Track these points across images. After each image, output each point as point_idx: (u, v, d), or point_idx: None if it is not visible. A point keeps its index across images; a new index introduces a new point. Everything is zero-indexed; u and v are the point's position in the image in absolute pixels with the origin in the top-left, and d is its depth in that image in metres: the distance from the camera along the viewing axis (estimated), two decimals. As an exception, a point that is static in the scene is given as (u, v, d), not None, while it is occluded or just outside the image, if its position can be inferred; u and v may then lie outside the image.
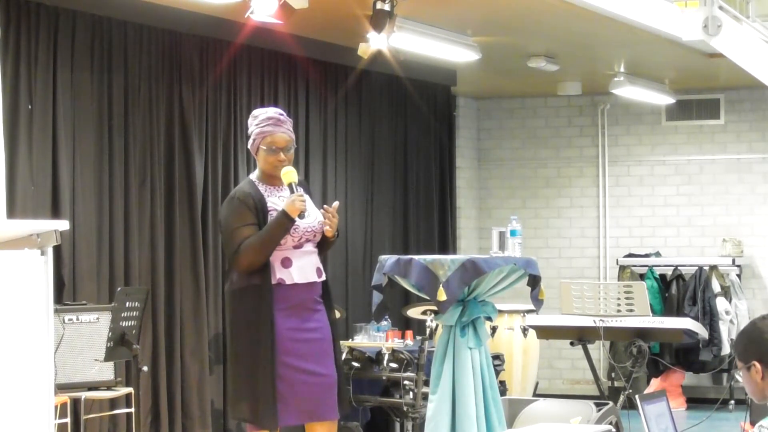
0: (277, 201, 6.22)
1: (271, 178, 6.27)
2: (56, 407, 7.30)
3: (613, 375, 9.55)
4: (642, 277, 12.40)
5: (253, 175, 6.35)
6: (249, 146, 6.33)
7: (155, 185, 8.93)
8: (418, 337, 9.26)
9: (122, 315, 7.64)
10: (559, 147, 13.46)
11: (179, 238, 9.08)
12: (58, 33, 8.17)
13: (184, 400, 9.08)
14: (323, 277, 6.32)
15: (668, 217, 13.05)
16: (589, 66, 11.59)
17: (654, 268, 12.55)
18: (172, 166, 9.09)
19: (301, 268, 6.21)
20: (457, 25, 9.41)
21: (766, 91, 12.04)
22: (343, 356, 8.96)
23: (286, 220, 6.09)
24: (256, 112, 6.37)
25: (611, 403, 7.74)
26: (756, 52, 9.70)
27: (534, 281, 6.91)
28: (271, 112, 6.32)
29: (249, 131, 6.31)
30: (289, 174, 6.19)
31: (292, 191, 6.15)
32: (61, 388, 7.57)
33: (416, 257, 6.77)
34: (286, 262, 6.18)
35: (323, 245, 6.36)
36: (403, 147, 11.86)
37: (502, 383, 9.48)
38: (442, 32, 9.29)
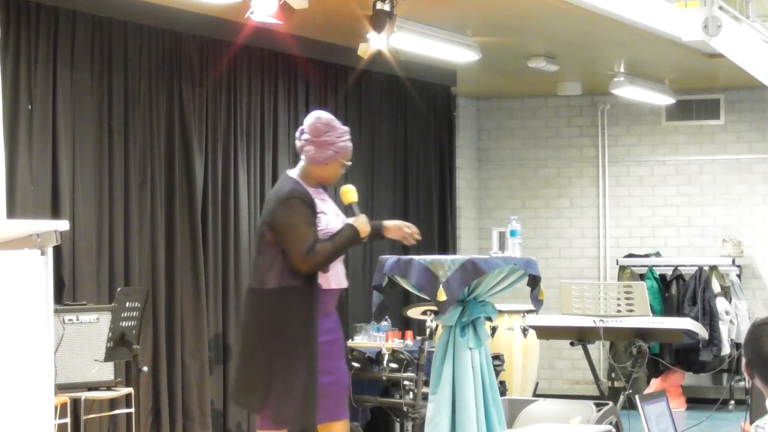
0: (321, 205, 6.31)
1: (317, 182, 6.34)
2: (56, 407, 7.30)
3: (613, 375, 9.56)
4: (642, 277, 12.39)
5: (295, 175, 6.34)
6: (320, 155, 6.27)
7: (155, 185, 8.93)
8: (418, 338, 9.26)
9: (122, 315, 7.64)
10: (559, 147, 13.46)
11: (179, 238, 9.08)
12: (58, 33, 8.18)
13: (185, 401, 9.09)
14: (347, 284, 6.48)
15: (668, 217, 13.05)
16: (589, 66, 11.59)
17: (654, 268, 12.55)
18: (172, 166, 9.09)
19: (336, 273, 6.34)
20: (457, 26, 9.41)
21: (766, 92, 12.04)
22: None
23: (358, 239, 6.30)
24: (329, 120, 6.34)
25: (611, 404, 7.74)
26: (756, 52, 9.70)
27: (534, 281, 6.91)
28: (340, 123, 6.38)
29: (322, 139, 6.26)
30: (353, 193, 6.45)
31: (353, 211, 6.37)
32: (61, 388, 7.58)
33: (416, 257, 6.77)
34: (326, 268, 6.28)
35: None
36: (403, 147, 11.86)
37: (502, 383, 9.48)
38: (442, 32, 9.29)
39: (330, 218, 6.33)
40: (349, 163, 6.43)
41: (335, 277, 6.32)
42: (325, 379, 6.22)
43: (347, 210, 6.49)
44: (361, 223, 6.30)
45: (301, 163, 6.36)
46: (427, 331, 8.61)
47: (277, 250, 6.24)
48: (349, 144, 6.36)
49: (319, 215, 6.27)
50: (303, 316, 6.20)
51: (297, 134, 6.40)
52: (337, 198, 6.70)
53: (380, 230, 6.51)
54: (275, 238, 6.24)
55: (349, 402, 7.14)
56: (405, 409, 8.73)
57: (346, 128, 6.40)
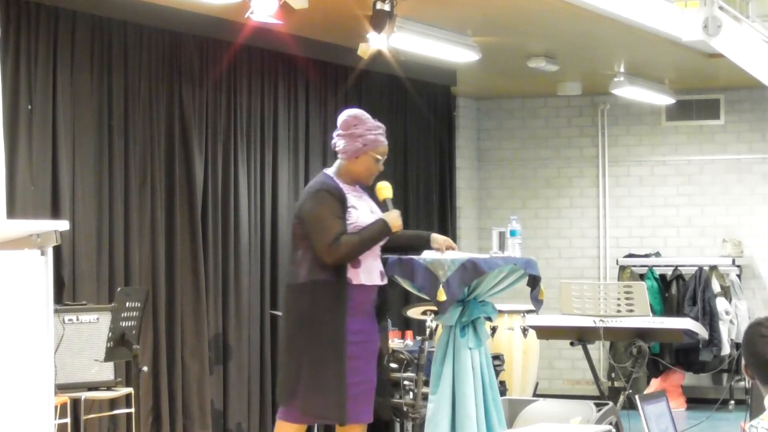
0: (354, 200, 6.35)
1: (353, 180, 6.40)
2: (56, 407, 7.30)
3: (613, 375, 9.56)
4: (642, 277, 12.40)
5: (331, 172, 6.42)
6: (348, 147, 6.33)
7: (155, 185, 8.93)
8: (418, 338, 9.26)
9: (122, 315, 7.63)
10: (559, 147, 13.46)
11: (179, 238, 9.08)
12: (58, 33, 8.18)
13: (185, 401, 9.08)
14: (385, 281, 6.48)
15: (668, 217, 13.05)
16: (589, 66, 11.59)
17: (654, 268, 12.55)
18: (172, 166, 9.09)
19: (369, 269, 6.35)
20: (457, 26, 9.41)
21: (766, 92, 12.04)
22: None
23: (387, 232, 6.33)
24: (358, 114, 6.41)
25: (611, 404, 7.74)
26: (756, 52, 9.70)
27: (534, 281, 6.90)
28: (373, 120, 6.43)
29: (350, 132, 6.33)
30: (388, 189, 6.48)
31: (387, 206, 6.42)
32: (61, 388, 7.57)
33: (416, 257, 6.77)
34: (356, 262, 6.29)
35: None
36: (403, 147, 11.85)
37: (502, 383, 9.48)
38: (442, 32, 9.29)
39: (361, 213, 6.36)
40: (383, 158, 6.44)
41: (366, 273, 6.33)
42: (353, 380, 6.25)
43: (382, 207, 6.51)
44: (393, 218, 6.35)
45: (336, 161, 6.45)
46: (427, 331, 8.60)
47: (308, 244, 6.28)
48: (381, 138, 6.39)
49: (349, 209, 6.30)
50: (331, 310, 6.23)
51: (333, 134, 6.49)
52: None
53: (428, 240, 6.69)
54: (304, 231, 6.29)
55: (387, 408, 7.18)
56: (405, 409, 8.72)
57: (378, 123, 6.44)
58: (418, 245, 6.70)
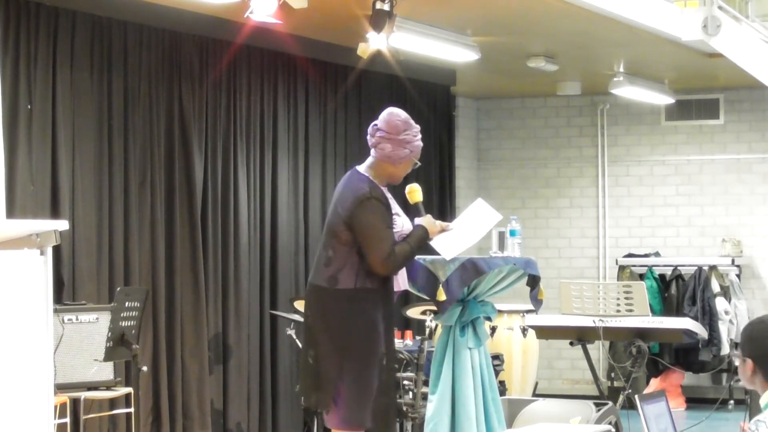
0: (394, 206, 6.31)
1: (386, 181, 6.31)
2: (56, 407, 7.30)
3: (612, 375, 9.57)
4: (641, 277, 12.40)
5: (369, 173, 6.28)
6: (397, 152, 6.22)
7: (155, 185, 8.92)
8: (418, 337, 9.26)
9: (122, 315, 7.63)
10: (558, 147, 13.46)
11: (179, 238, 9.07)
12: (57, 33, 8.17)
13: (184, 400, 9.08)
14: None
15: (668, 217, 13.05)
16: (589, 66, 11.58)
17: (653, 268, 12.55)
18: (171, 165, 9.09)
19: (403, 275, 6.38)
20: (457, 25, 9.41)
21: (765, 91, 12.05)
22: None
23: (427, 238, 6.31)
24: (407, 118, 6.32)
25: (611, 403, 7.74)
26: (755, 52, 9.70)
27: (533, 281, 6.91)
28: (415, 123, 6.37)
29: (401, 137, 6.22)
30: (419, 192, 6.45)
31: (419, 211, 6.37)
32: (60, 388, 7.57)
33: (416, 257, 6.77)
34: None
35: None
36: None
37: (501, 383, 9.48)
38: (441, 32, 9.29)
39: (404, 220, 6.33)
40: (420, 163, 6.42)
41: (403, 279, 6.37)
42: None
43: (411, 209, 6.44)
44: (430, 223, 6.33)
45: (371, 160, 6.30)
46: (427, 331, 8.61)
47: (352, 251, 6.14)
48: (421, 143, 6.33)
49: (394, 217, 6.25)
50: (379, 319, 6.16)
51: (369, 130, 6.34)
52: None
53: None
54: (352, 238, 6.14)
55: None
56: (404, 408, 8.72)
57: (418, 127, 6.38)
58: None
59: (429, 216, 6.38)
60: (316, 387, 6.23)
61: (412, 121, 6.33)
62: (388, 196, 6.32)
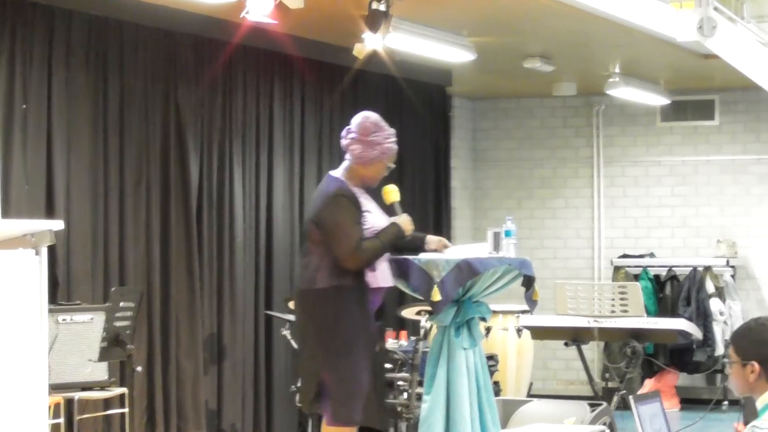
0: (366, 204, 6.42)
1: (361, 183, 6.46)
2: (50, 407, 7.29)
3: (607, 375, 9.55)
4: (636, 277, 12.40)
5: (341, 175, 6.45)
6: (366, 154, 6.39)
7: (150, 185, 8.92)
8: (413, 338, 9.25)
9: (116, 315, 7.62)
10: (554, 147, 13.46)
11: (174, 238, 9.07)
12: (53, 32, 8.17)
13: (179, 401, 9.08)
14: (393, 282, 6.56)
15: (663, 217, 13.06)
16: (585, 67, 11.59)
17: (648, 268, 12.56)
18: (167, 165, 9.08)
19: (383, 271, 6.45)
20: (453, 26, 9.41)
21: (760, 93, 12.02)
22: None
23: (402, 236, 6.42)
24: (378, 120, 6.48)
25: (605, 404, 7.75)
26: (751, 53, 9.70)
27: (528, 282, 6.91)
28: (387, 125, 6.49)
29: (369, 138, 6.39)
30: (396, 192, 6.55)
31: (396, 210, 6.49)
32: (54, 388, 7.56)
33: (411, 257, 6.77)
34: (373, 266, 6.38)
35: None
36: (398, 147, 11.82)
37: (496, 384, 9.48)
38: (437, 32, 9.29)
39: (375, 216, 6.45)
40: (393, 166, 6.52)
41: (383, 276, 6.44)
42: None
43: (389, 209, 6.59)
44: (405, 221, 6.46)
45: (346, 163, 6.48)
46: (422, 332, 8.60)
47: (325, 250, 6.31)
48: (395, 146, 6.50)
49: (364, 214, 6.39)
50: (357, 315, 6.28)
51: (343, 133, 6.50)
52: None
53: (423, 241, 6.70)
54: (322, 236, 6.31)
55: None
56: (399, 409, 8.72)
57: (392, 130, 6.53)
58: (415, 246, 6.74)
59: (406, 215, 6.51)
60: (309, 387, 6.37)
61: (383, 124, 6.49)
62: (364, 196, 6.46)
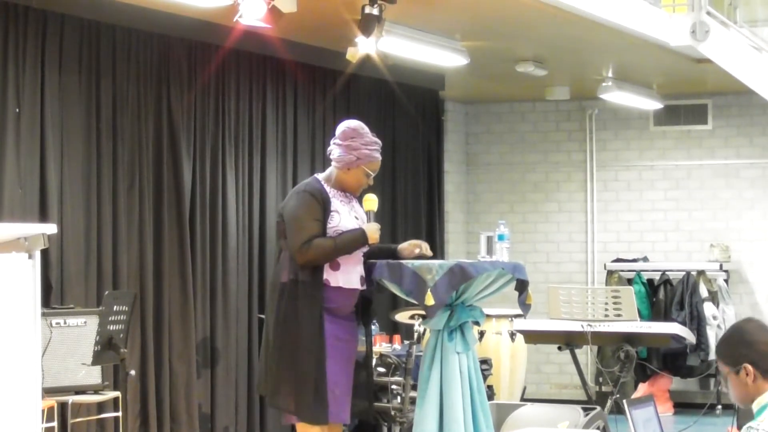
0: (338, 205, 6.48)
1: (342, 187, 6.54)
2: (43, 411, 7.28)
3: (600, 380, 9.58)
4: (630, 281, 12.41)
5: (321, 176, 6.58)
6: (342, 157, 6.49)
7: (143, 189, 8.91)
8: (406, 342, 9.25)
9: (110, 319, 7.62)
10: (547, 151, 13.47)
11: (167, 242, 9.06)
12: (46, 36, 8.16)
13: (172, 404, 9.07)
14: (365, 286, 6.59)
15: (656, 221, 13.07)
16: (578, 71, 11.60)
17: (642, 272, 12.56)
18: (160, 169, 9.08)
19: (348, 273, 6.48)
20: (446, 30, 9.42)
21: (753, 97, 12.05)
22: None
23: (364, 241, 6.44)
24: (357, 127, 6.55)
25: (599, 408, 7.75)
26: (743, 57, 9.72)
27: (522, 286, 6.91)
28: (371, 134, 6.56)
29: (347, 143, 6.48)
30: (374, 202, 6.59)
31: (369, 219, 6.54)
32: (48, 391, 7.55)
33: (404, 261, 6.77)
34: (335, 265, 6.44)
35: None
36: (391, 151, 11.85)
37: (489, 388, 9.48)
38: (430, 37, 9.30)
39: (344, 218, 6.49)
40: (373, 174, 6.58)
41: (345, 277, 6.46)
42: (332, 378, 6.37)
43: (367, 217, 6.63)
44: (372, 230, 6.49)
45: (330, 167, 6.61)
46: (415, 336, 8.61)
47: (286, 244, 6.45)
48: (376, 155, 6.55)
49: (332, 213, 6.44)
50: (309, 310, 6.34)
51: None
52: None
53: (394, 252, 6.73)
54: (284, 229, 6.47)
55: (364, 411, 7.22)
56: (393, 413, 8.72)
57: (375, 139, 6.59)
58: (386, 257, 6.76)
59: (374, 224, 6.55)
60: (267, 381, 6.48)
61: (364, 132, 6.55)
62: (341, 198, 6.53)
